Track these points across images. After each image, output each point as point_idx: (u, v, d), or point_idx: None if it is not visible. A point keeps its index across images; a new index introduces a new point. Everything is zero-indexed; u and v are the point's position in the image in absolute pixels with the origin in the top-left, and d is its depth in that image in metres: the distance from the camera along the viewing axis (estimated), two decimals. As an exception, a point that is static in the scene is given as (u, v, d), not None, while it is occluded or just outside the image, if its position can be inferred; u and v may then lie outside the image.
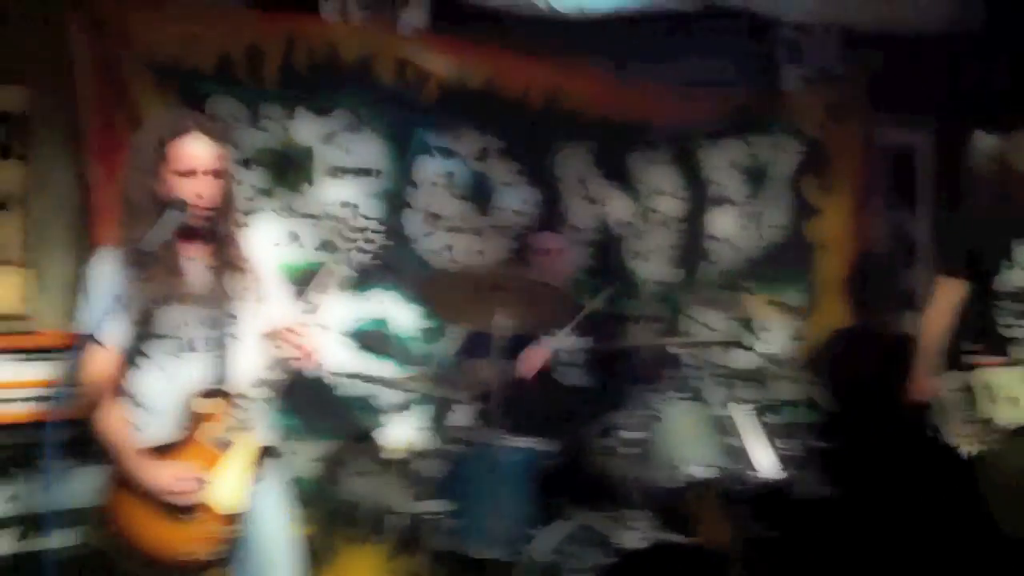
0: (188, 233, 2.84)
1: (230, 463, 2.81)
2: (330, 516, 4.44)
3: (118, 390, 2.80)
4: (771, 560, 4.06)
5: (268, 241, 4.39)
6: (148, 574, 2.73)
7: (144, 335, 2.79)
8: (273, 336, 2.90)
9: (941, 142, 5.71)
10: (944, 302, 3.96)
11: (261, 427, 2.91)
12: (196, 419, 2.79)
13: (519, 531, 3.74)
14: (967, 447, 3.85)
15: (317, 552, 4.29)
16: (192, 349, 2.83)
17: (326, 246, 4.44)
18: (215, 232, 2.88)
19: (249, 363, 2.89)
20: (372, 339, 4.56)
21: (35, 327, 4.00)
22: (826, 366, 5.17)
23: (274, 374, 2.87)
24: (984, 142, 5.64)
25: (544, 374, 4.38)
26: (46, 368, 3.59)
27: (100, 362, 2.75)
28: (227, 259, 2.89)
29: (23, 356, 3.57)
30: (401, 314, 4.67)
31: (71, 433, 3.52)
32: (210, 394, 2.81)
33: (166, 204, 2.74)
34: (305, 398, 4.42)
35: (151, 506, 2.73)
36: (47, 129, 4.11)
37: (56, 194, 4.13)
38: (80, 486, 3.57)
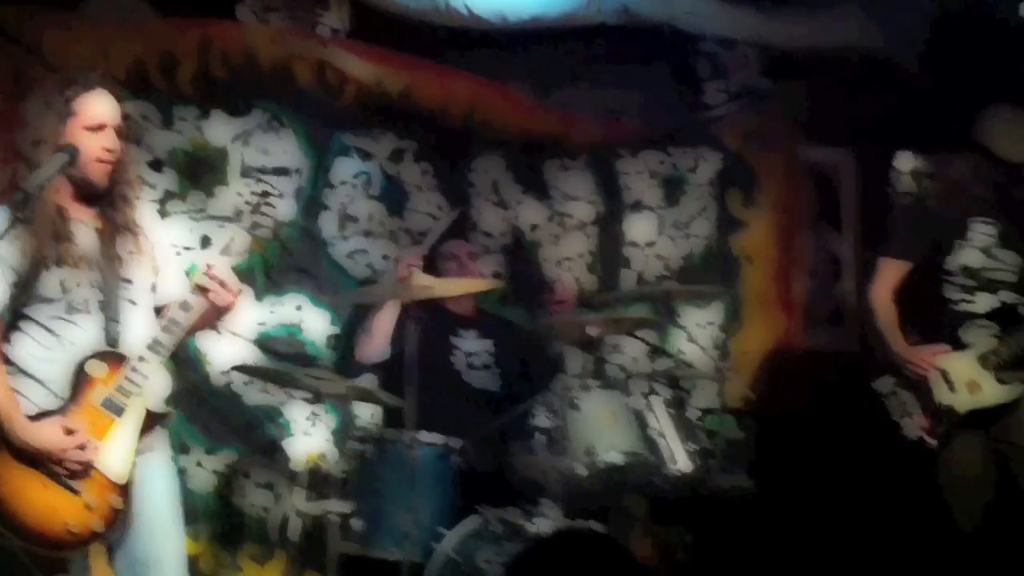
0: (82, 191, 2.81)
1: (121, 429, 2.72)
2: (229, 532, 4.35)
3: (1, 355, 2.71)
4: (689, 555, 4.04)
5: (179, 243, 4.31)
6: (34, 547, 2.62)
7: (29, 297, 2.71)
8: (173, 302, 2.83)
9: (863, 162, 5.75)
10: (887, 278, 4.00)
11: (152, 393, 2.81)
12: (87, 383, 2.70)
13: (429, 529, 3.67)
14: (927, 438, 3.87)
15: (214, 570, 4.20)
16: (81, 311, 2.75)
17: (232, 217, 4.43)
18: (111, 194, 2.84)
19: (142, 327, 2.83)
20: (281, 345, 4.49)
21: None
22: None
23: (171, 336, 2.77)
24: (904, 161, 5.76)
25: (454, 375, 4.33)
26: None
27: None
28: (120, 223, 2.85)
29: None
30: (314, 320, 4.61)
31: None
32: (101, 356, 2.73)
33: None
34: (209, 408, 4.37)
35: (37, 475, 2.63)
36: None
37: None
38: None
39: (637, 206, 5.26)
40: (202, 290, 2.78)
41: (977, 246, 3.88)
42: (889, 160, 5.72)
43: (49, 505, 2.62)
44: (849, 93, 5.39)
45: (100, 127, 2.78)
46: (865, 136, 5.61)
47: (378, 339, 4.25)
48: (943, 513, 3.88)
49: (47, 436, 2.62)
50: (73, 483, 2.65)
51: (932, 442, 3.85)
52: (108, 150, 2.78)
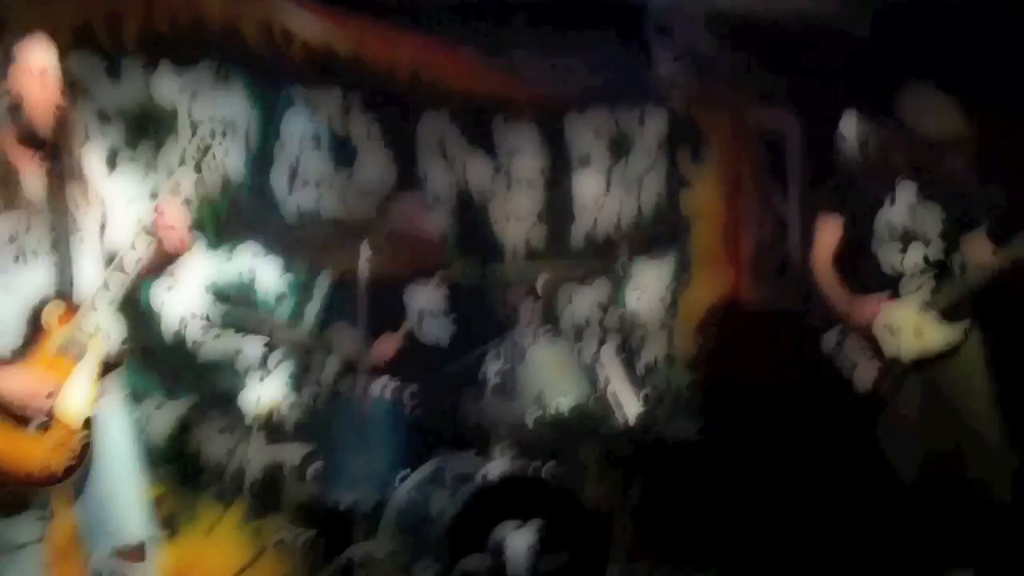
0: (28, 139, 2.79)
1: (78, 372, 2.73)
2: (188, 477, 4.39)
3: None
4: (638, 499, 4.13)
5: (130, 196, 4.29)
6: (4, 491, 2.63)
7: None
8: (125, 244, 2.82)
9: (809, 124, 5.85)
10: (826, 237, 4.13)
11: (107, 338, 2.82)
12: (42, 327, 2.70)
13: (383, 475, 3.76)
14: (873, 387, 3.95)
15: (175, 515, 4.24)
16: (33, 257, 2.75)
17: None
18: (56, 141, 2.83)
19: (94, 273, 2.83)
20: (235, 295, 4.50)
21: None
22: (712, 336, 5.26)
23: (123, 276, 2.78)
24: (848, 124, 5.86)
25: (407, 334, 4.40)
26: None
27: None
28: (67, 171, 2.85)
29: None
30: (265, 272, 4.63)
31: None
32: (56, 303, 2.73)
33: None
34: (165, 357, 4.37)
35: (2, 419, 2.62)
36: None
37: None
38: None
39: (585, 162, 5.33)
40: (152, 235, 2.80)
41: (902, 204, 4.01)
42: (834, 123, 5.83)
43: (15, 447, 2.63)
44: (795, 56, 5.44)
45: (42, 72, 2.78)
46: (811, 99, 5.72)
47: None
48: (886, 464, 3.99)
49: (12, 384, 2.62)
50: (36, 426, 2.65)
51: (884, 392, 3.94)
52: (51, 93, 2.78)
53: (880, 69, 5.27)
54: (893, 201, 4.02)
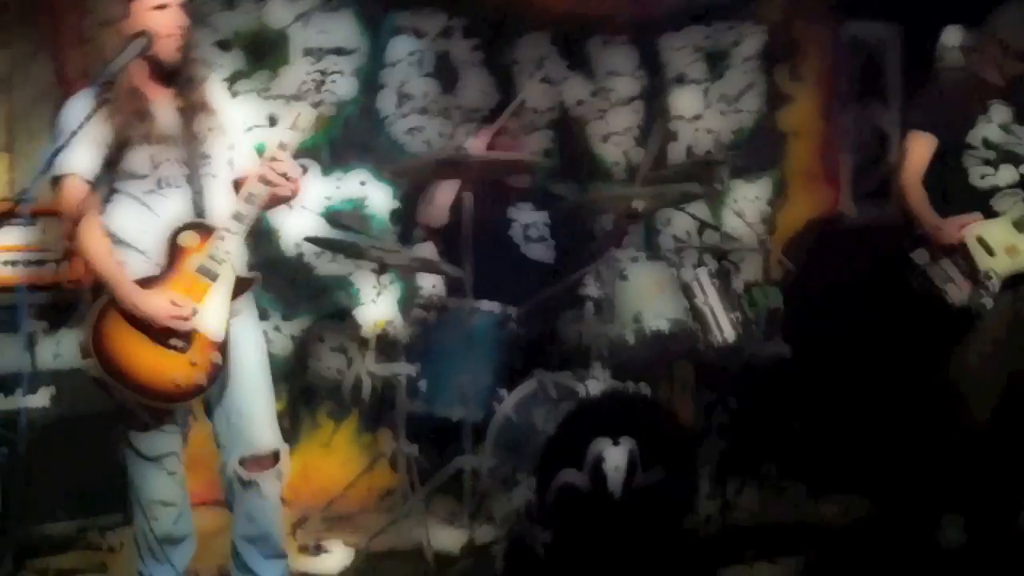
0: (157, 71, 2.97)
1: (215, 293, 2.94)
2: (308, 390, 4.64)
3: (101, 224, 2.91)
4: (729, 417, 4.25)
5: (249, 121, 4.46)
6: (147, 400, 2.87)
7: (119, 173, 2.90)
8: (251, 175, 3.01)
9: (909, 36, 5.76)
10: (916, 156, 4.06)
11: (239, 259, 3.04)
12: (181, 251, 2.92)
13: (488, 390, 3.92)
14: (969, 303, 3.94)
15: (294, 426, 4.52)
16: (170, 185, 2.95)
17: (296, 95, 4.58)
18: (183, 74, 3.00)
19: (224, 200, 3.03)
20: (347, 219, 4.65)
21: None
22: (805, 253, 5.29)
23: (251, 207, 2.98)
24: (951, 36, 5.75)
25: (512, 246, 4.52)
26: (24, 234, 3.75)
27: (76, 191, 2.87)
28: (194, 102, 3.02)
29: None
30: (377, 195, 4.79)
31: (49, 299, 3.71)
32: (192, 227, 2.94)
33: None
34: (283, 278, 4.59)
35: (145, 335, 2.86)
36: (26, 23, 4.20)
37: (37, 83, 4.22)
38: (58, 349, 3.76)
39: (681, 80, 5.32)
40: (268, 183, 2.98)
41: (996, 122, 3.98)
42: (935, 35, 5.73)
43: (158, 363, 2.86)
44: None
45: (163, 6, 2.91)
46: (910, 10, 5.62)
47: (440, 206, 4.43)
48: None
49: (156, 303, 2.84)
50: (178, 343, 2.89)
51: (985, 303, 3.91)
52: (176, 26, 2.93)
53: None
54: (989, 119, 3.99)
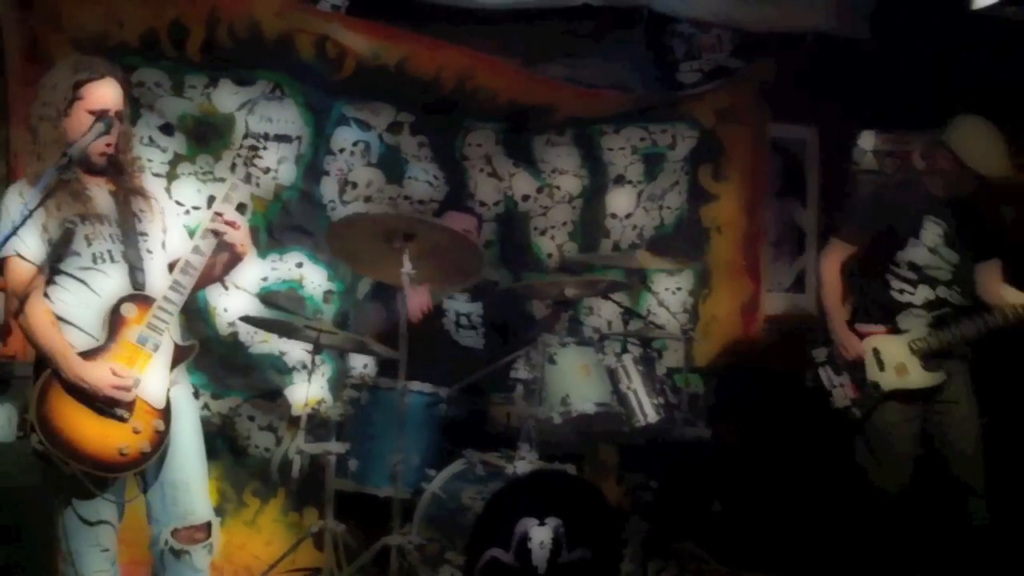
0: (91, 169, 3.09)
1: (155, 361, 3.02)
2: (236, 468, 4.66)
3: (44, 302, 2.99)
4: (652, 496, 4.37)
5: (188, 203, 4.59)
6: (91, 470, 2.90)
7: (61, 253, 2.99)
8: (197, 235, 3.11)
9: (827, 138, 6.05)
10: (835, 259, 4.23)
11: (176, 331, 3.14)
12: (122, 322, 3.00)
13: (417, 469, 4.01)
14: (853, 408, 4.14)
15: (221, 503, 4.53)
16: (105, 261, 3.04)
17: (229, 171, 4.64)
18: (117, 166, 3.13)
19: (162, 274, 3.13)
20: (283, 299, 4.74)
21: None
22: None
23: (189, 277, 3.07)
24: (866, 140, 6.08)
25: (443, 334, 4.64)
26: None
27: (22, 272, 2.95)
28: (129, 187, 3.15)
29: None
30: (313, 277, 4.88)
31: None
32: (132, 299, 3.03)
33: (71, 142, 2.97)
34: (216, 356, 4.64)
35: (88, 407, 2.92)
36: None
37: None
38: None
39: (619, 180, 5.53)
40: (215, 233, 3.08)
41: (927, 244, 4.08)
42: (852, 137, 6.04)
43: (103, 433, 2.93)
44: (814, 72, 5.61)
45: (103, 113, 3.02)
46: (829, 113, 5.91)
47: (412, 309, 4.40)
48: (863, 478, 4.17)
49: (99, 374, 2.92)
50: (122, 412, 2.95)
51: (857, 413, 4.13)
52: (111, 137, 3.04)
53: (897, 85, 5.50)
54: (918, 241, 4.08)
